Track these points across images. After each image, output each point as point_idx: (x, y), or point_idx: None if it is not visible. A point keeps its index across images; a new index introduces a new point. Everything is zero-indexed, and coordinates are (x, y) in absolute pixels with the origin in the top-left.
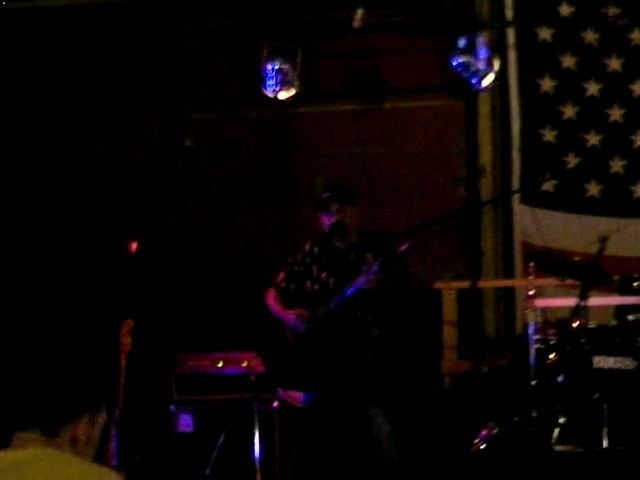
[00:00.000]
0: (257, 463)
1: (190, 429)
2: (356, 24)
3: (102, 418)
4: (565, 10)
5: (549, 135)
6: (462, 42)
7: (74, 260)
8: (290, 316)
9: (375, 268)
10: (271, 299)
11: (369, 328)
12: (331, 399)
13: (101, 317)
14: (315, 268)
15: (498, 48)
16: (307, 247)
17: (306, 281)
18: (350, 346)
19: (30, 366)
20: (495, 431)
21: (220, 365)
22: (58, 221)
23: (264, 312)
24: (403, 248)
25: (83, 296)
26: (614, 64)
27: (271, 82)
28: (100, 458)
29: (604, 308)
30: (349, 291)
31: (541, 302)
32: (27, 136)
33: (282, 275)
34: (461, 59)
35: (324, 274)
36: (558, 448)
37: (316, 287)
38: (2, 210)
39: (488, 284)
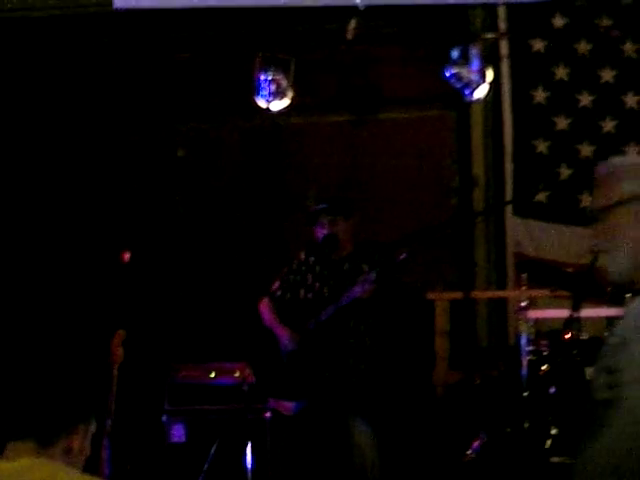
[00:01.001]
0: (249, 473)
1: (182, 439)
2: (349, 35)
3: (93, 427)
4: (558, 22)
5: (542, 146)
6: (455, 53)
7: (66, 270)
8: (282, 333)
9: (372, 277)
10: (265, 309)
11: (362, 338)
12: (321, 408)
13: (94, 327)
14: (310, 277)
15: (491, 59)
16: (302, 256)
17: (300, 290)
18: (342, 355)
19: (26, 377)
20: (485, 440)
21: (212, 375)
22: (50, 231)
23: (256, 321)
24: (401, 257)
25: (76, 306)
26: (607, 75)
27: (264, 92)
28: (92, 468)
29: (596, 319)
30: (343, 301)
31: (533, 313)
32: (18, 146)
33: (277, 284)
34: (454, 70)
35: (318, 283)
36: (553, 459)
37: (309, 296)
38: None
39: (480, 295)
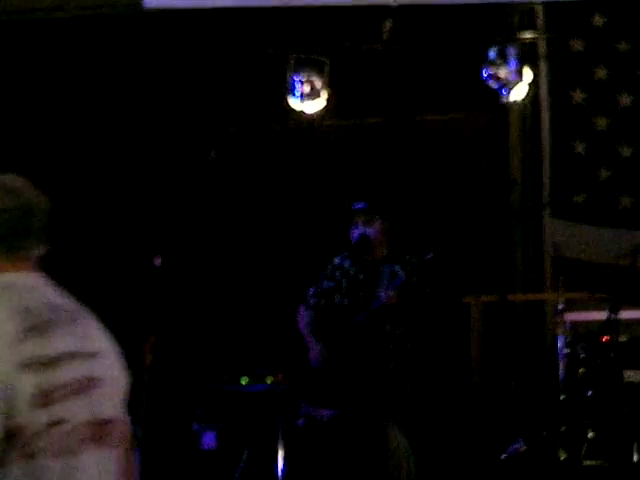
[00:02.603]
0: None
1: (213, 446)
2: (385, 35)
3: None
4: (598, 21)
5: (580, 147)
6: (492, 53)
7: (98, 274)
8: (313, 348)
9: (400, 279)
10: (301, 319)
11: (401, 342)
12: (356, 415)
13: (124, 332)
14: (344, 282)
15: (529, 59)
16: (337, 260)
17: (335, 295)
18: (382, 361)
19: None
20: (523, 448)
21: (244, 382)
22: (82, 235)
23: (290, 327)
24: (428, 257)
25: (106, 311)
26: None
27: (298, 94)
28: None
29: (635, 321)
30: (373, 305)
31: (571, 316)
32: (52, 148)
33: (311, 291)
34: (491, 70)
35: (353, 287)
36: (587, 462)
37: (345, 302)
38: None
39: (518, 298)
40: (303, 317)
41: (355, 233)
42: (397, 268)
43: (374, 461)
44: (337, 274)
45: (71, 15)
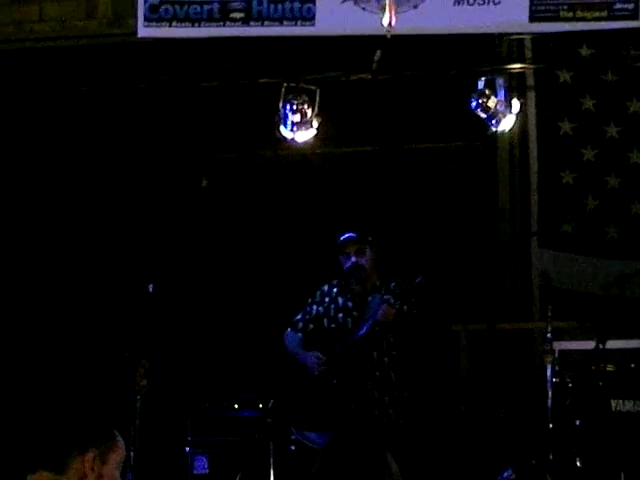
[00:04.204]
0: None
1: (205, 471)
2: (374, 65)
3: (117, 455)
4: (585, 52)
5: (568, 177)
6: (481, 83)
7: (91, 300)
8: (307, 357)
9: (390, 301)
10: (289, 339)
11: (386, 371)
12: (346, 440)
13: (117, 357)
14: (333, 308)
15: (518, 90)
16: (325, 288)
17: (323, 320)
18: (367, 388)
19: (32, 406)
20: (513, 477)
21: (236, 407)
22: (74, 261)
23: (280, 353)
24: (417, 280)
25: (100, 336)
26: (634, 106)
27: (289, 123)
28: None
29: (623, 351)
30: (365, 327)
31: (559, 345)
32: (43, 177)
33: (300, 315)
34: (480, 101)
35: (341, 314)
36: None
37: (333, 326)
38: (22, 248)
39: (506, 326)
40: (292, 339)
41: (347, 263)
42: (387, 297)
43: None
44: (326, 300)
45: (63, 44)
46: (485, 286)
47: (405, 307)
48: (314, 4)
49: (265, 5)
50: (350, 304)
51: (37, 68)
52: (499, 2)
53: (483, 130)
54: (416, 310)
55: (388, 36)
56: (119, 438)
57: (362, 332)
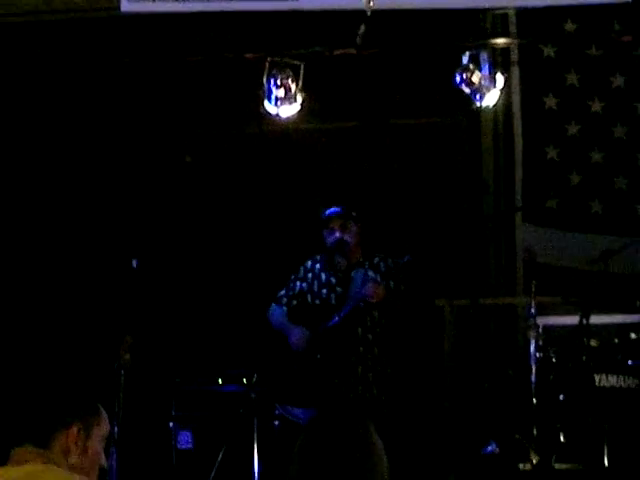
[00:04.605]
0: None
1: (189, 446)
2: (359, 40)
3: (101, 430)
4: (569, 27)
5: (552, 152)
6: (465, 59)
7: (75, 275)
8: (293, 332)
9: (376, 279)
10: (273, 314)
11: (370, 347)
12: (330, 415)
13: (101, 332)
14: (316, 284)
15: (502, 65)
16: (309, 263)
17: (307, 296)
18: (350, 364)
19: (19, 379)
20: (497, 451)
21: (220, 382)
22: (58, 237)
23: (264, 328)
24: (405, 260)
25: (84, 311)
26: (618, 81)
27: (273, 98)
28: (99, 475)
29: (606, 326)
30: (351, 304)
31: (543, 320)
32: (25, 153)
33: (283, 291)
34: (465, 76)
35: (325, 290)
36: (558, 466)
37: (317, 302)
38: (5, 224)
39: (490, 301)
40: (276, 313)
41: (331, 238)
42: (371, 273)
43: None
44: (309, 276)
45: (47, 19)
46: (469, 261)
47: (392, 283)
48: None
49: None
50: (334, 280)
51: (20, 43)
52: None
53: (467, 105)
54: (403, 286)
55: (368, 13)
56: (103, 413)
57: (347, 310)
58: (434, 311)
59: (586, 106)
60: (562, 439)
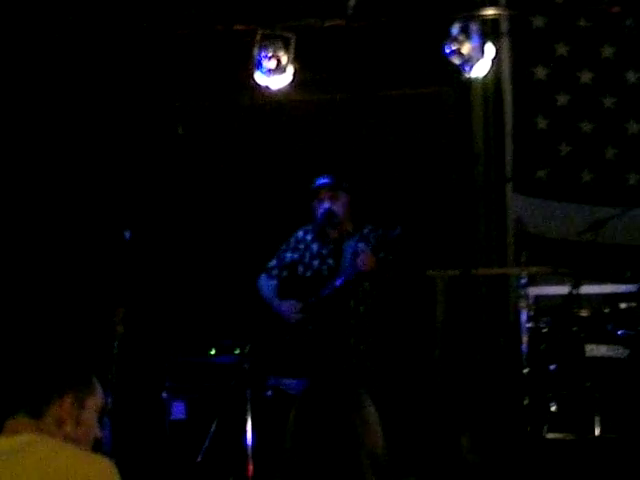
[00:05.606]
0: (249, 451)
1: (183, 416)
2: (349, 11)
3: (95, 401)
4: None
5: (542, 123)
6: (455, 29)
7: (68, 247)
8: (282, 306)
9: (367, 250)
10: (263, 285)
11: (362, 318)
12: (324, 385)
13: (94, 304)
14: (307, 255)
15: (492, 36)
16: (300, 233)
17: (298, 267)
18: (342, 335)
19: (11, 351)
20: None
21: (213, 353)
22: (52, 210)
23: (256, 299)
24: (396, 232)
25: (77, 283)
26: (607, 52)
27: (264, 69)
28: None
29: (597, 296)
30: (344, 276)
31: (534, 290)
32: (19, 127)
33: (274, 262)
34: (454, 47)
35: (316, 262)
36: (550, 436)
37: (308, 274)
38: None
39: (481, 272)
40: (266, 284)
41: (321, 208)
42: (361, 245)
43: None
44: (300, 247)
45: None
46: (460, 232)
47: (381, 254)
48: None
49: None
50: (325, 251)
51: (11, 13)
52: None
53: (457, 76)
54: (392, 256)
55: None
56: (97, 384)
57: (340, 282)
58: (425, 282)
59: (575, 77)
60: (553, 409)
